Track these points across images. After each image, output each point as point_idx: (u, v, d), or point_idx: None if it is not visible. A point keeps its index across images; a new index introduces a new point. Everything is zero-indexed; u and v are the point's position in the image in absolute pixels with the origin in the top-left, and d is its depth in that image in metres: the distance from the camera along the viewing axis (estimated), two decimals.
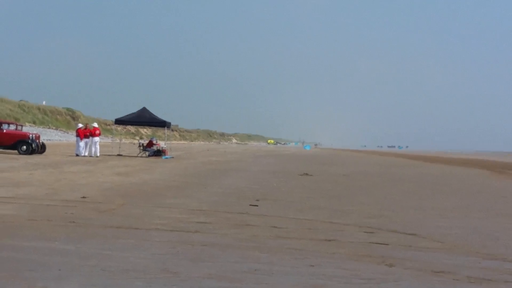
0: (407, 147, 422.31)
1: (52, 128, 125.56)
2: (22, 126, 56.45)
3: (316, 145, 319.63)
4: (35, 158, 43.41)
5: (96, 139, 53.29)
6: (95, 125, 56.05)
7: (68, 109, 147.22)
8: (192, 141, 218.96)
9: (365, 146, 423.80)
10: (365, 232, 14.53)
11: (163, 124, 60.32)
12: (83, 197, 19.46)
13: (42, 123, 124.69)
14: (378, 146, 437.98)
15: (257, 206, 19.02)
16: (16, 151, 49.69)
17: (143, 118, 59.14)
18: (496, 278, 9.87)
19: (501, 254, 12.15)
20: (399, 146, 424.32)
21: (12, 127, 52.16)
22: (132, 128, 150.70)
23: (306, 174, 37.34)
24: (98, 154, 52.17)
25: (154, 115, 59.24)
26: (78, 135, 53.31)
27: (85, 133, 52.93)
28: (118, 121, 60.59)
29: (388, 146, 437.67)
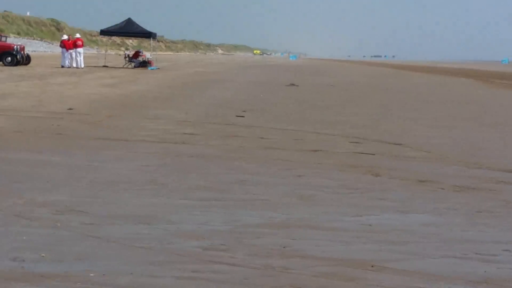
0: (393, 56, 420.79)
1: (37, 39, 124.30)
2: (6, 37, 55.84)
3: (299, 55, 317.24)
4: (20, 70, 43.13)
5: (80, 50, 52.72)
6: (77, 35, 55.56)
7: (52, 19, 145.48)
8: (177, 52, 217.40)
9: (349, 56, 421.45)
10: (351, 142, 14.58)
11: (148, 35, 59.82)
12: (70, 109, 19.40)
13: (26, 34, 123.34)
14: (363, 56, 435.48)
15: (243, 117, 19.02)
16: (0, 63, 49.28)
17: (128, 29, 58.57)
18: (481, 187, 9.97)
19: (486, 163, 12.24)
20: (385, 56, 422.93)
21: None
22: (117, 39, 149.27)
23: (293, 84, 37.24)
24: (83, 65, 51.72)
25: (139, 26, 58.65)
26: (63, 47, 52.82)
27: (70, 44, 52.41)
28: (104, 32, 60.13)
29: (374, 56, 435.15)
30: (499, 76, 63.11)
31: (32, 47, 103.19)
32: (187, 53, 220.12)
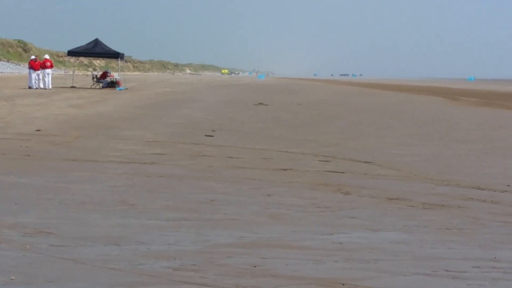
0: (361, 75, 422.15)
1: (4, 61, 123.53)
2: None
3: (267, 74, 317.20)
4: None
5: (48, 71, 52.47)
6: (46, 56, 55.34)
7: (19, 41, 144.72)
8: (145, 72, 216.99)
9: (315, 75, 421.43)
10: (321, 160, 14.63)
11: (116, 55, 59.71)
12: (38, 130, 19.29)
13: None
14: (331, 75, 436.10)
15: (212, 136, 19.03)
16: None
17: (96, 50, 58.44)
18: (450, 204, 10.03)
19: (455, 180, 12.33)
20: (353, 74, 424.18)
21: None
22: (85, 60, 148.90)
23: (261, 103, 37.32)
24: (50, 86, 51.45)
25: (107, 46, 58.55)
26: (30, 67, 52.55)
27: (38, 65, 52.14)
28: (71, 53, 59.91)
29: (341, 75, 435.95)
30: (466, 94, 63.73)
31: None
32: (155, 73, 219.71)
